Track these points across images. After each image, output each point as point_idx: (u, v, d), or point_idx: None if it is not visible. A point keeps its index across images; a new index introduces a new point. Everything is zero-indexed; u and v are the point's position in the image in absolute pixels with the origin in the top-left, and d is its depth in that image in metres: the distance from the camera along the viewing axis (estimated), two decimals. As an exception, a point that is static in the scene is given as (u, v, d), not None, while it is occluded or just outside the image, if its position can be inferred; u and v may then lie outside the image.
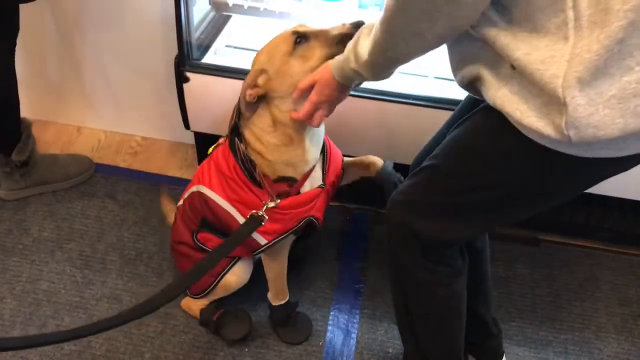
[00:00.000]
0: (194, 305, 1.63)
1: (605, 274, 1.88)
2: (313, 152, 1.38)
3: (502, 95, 0.95)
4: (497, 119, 0.98)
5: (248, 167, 1.36)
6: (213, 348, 1.60)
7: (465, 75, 1.06)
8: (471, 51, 1.00)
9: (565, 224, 1.93)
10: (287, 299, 1.60)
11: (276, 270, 1.54)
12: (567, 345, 1.67)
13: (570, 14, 0.84)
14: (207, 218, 1.47)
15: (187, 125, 1.85)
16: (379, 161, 1.53)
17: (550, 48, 0.86)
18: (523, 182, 1.05)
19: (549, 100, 0.88)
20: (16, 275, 1.74)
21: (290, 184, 1.37)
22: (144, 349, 1.59)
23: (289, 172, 1.37)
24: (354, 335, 1.66)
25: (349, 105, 1.37)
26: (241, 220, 1.39)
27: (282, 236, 1.41)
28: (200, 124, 1.84)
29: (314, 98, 1.22)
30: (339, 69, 1.15)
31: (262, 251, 1.44)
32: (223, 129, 1.82)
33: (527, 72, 0.89)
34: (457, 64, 1.07)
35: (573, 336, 1.70)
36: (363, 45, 1.06)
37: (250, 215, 1.36)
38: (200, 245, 1.51)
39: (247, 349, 1.60)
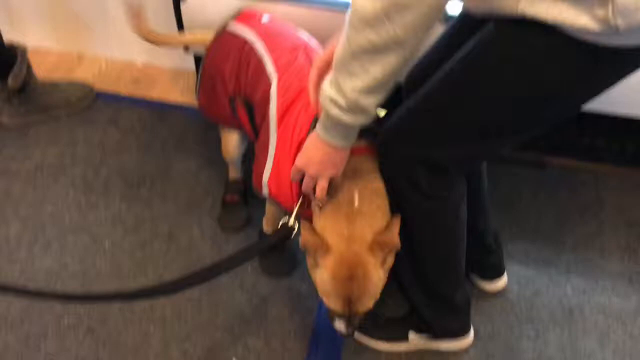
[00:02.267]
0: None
1: (612, 196, 1.85)
2: None
3: (528, 4, 0.91)
4: (517, 27, 0.94)
5: None
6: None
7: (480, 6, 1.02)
8: None
9: (571, 147, 1.90)
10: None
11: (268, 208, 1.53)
12: (570, 265, 1.67)
13: None
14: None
15: (185, 47, 1.82)
16: None
17: None
18: (552, 85, 1.00)
19: None
20: (20, 199, 1.76)
21: None
22: (148, 268, 1.61)
23: None
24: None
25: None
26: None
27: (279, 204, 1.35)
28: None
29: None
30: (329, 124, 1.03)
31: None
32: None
33: None
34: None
35: (576, 256, 1.69)
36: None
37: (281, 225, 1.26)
38: None
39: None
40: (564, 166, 1.92)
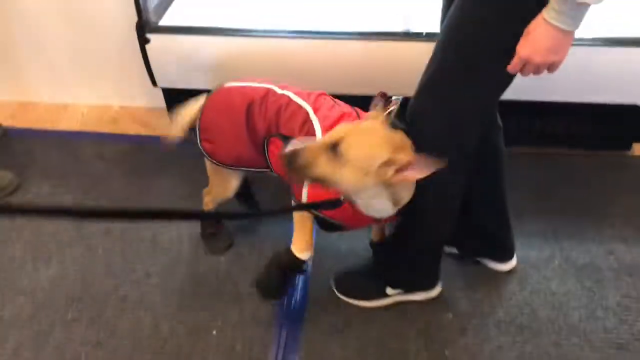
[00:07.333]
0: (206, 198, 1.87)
1: (525, 172, 2.18)
2: None
3: None
4: None
5: None
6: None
7: None
8: None
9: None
10: (307, 258, 1.64)
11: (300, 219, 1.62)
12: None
13: None
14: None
15: (154, 82, 2.14)
16: None
17: None
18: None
19: None
20: (23, 225, 2.03)
21: None
22: (137, 265, 1.89)
23: None
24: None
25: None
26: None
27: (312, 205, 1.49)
28: (165, 80, 2.13)
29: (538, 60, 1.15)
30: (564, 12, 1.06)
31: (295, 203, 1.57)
32: (186, 82, 2.13)
33: None
34: None
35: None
36: None
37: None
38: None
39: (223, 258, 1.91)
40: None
